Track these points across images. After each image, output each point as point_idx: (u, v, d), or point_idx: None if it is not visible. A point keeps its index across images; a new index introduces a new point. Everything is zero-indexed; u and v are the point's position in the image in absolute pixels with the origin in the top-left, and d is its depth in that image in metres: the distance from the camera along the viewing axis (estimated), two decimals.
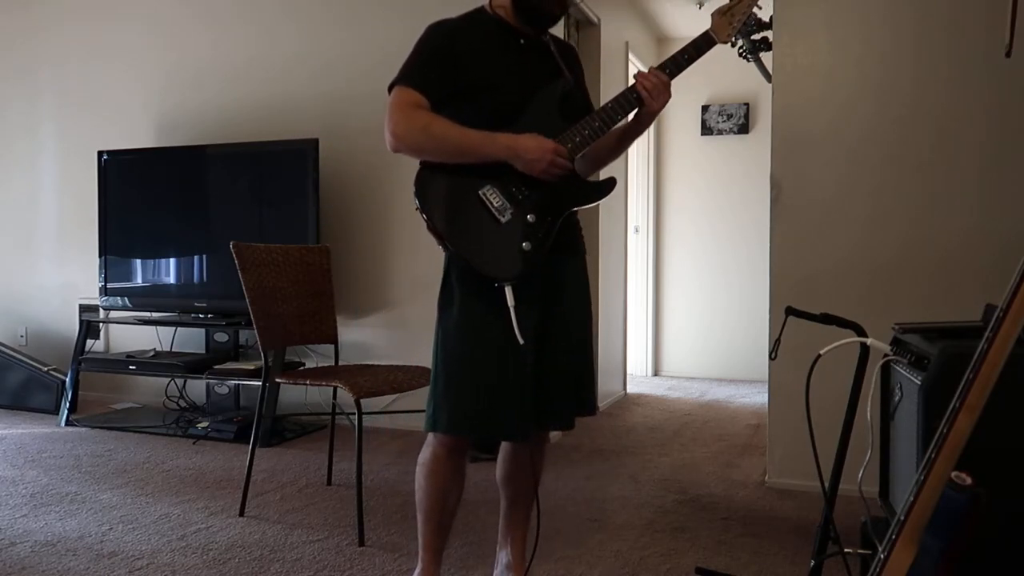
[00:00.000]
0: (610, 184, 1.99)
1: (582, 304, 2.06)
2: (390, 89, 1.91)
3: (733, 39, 2.06)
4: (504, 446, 2.12)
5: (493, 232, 1.86)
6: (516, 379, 1.88)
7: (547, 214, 1.89)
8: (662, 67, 1.96)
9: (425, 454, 2.00)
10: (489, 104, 1.92)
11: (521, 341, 1.83)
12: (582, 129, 1.90)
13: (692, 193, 6.10)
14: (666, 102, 1.95)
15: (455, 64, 1.90)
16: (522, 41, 1.98)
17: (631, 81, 2.02)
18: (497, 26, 1.98)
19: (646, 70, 1.97)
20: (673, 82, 1.96)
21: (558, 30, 3.99)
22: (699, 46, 1.99)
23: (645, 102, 1.92)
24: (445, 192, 1.88)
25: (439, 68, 1.90)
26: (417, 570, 2.06)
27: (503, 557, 2.14)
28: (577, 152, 1.91)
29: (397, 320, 4.19)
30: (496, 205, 1.87)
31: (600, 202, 5.22)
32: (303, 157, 3.99)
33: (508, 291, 1.84)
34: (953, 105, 2.97)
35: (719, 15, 2.01)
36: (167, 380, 4.50)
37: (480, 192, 1.87)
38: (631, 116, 1.99)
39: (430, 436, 1.99)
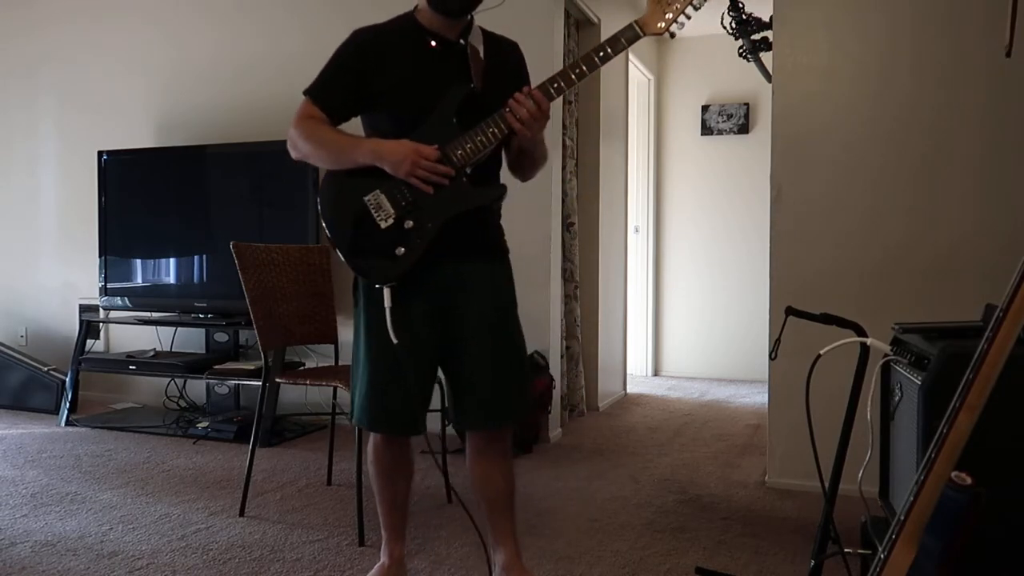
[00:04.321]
0: (497, 190, 2.01)
1: (493, 309, 2.04)
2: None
3: (671, 31, 1.90)
4: (467, 451, 2.16)
5: (373, 236, 1.94)
6: (404, 377, 1.96)
7: (427, 220, 1.93)
8: (551, 81, 1.89)
9: (369, 445, 2.15)
10: (392, 112, 1.99)
11: (395, 340, 1.92)
12: (475, 136, 1.91)
13: (692, 193, 6.09)
14: (541, 129, 1.94)
15: (359, 77, 1.97)
16: (433, 44, 1.98)
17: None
18: (413, 31, 1.99)
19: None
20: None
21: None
22: (615, 43, 1.88)
23: (518, 133, 1.91)
24: (336, 197, 1.99)
25: (341, 82, 1.99)
26: (381, 545, 2.22)
27: (499, 558, 2.15)
28: (469, 159, 1.92)
29: None
30: (378, 211, 1.94)
31: (602, 202, 5.16)
32: None
33: (386, 292, 1.94)
34: (953, 105, 2.97)
35: (655, 2, 1.88)
36: (167, 380, 4.49)
37: (365, 198, 1.94)
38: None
39: None
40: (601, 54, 1.88)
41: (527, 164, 2.08)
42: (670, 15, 1.88)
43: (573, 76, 1.89)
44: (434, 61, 1.98)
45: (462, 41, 1.99)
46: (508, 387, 2.06)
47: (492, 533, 2.14)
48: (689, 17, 1.91)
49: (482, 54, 2.00)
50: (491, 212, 2.08)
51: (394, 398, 1.99)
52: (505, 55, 2.07)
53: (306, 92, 2.02)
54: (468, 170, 1.94)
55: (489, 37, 2.06)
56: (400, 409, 2.00)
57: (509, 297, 2.10)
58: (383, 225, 1.93)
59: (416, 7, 2.01)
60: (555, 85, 1.89)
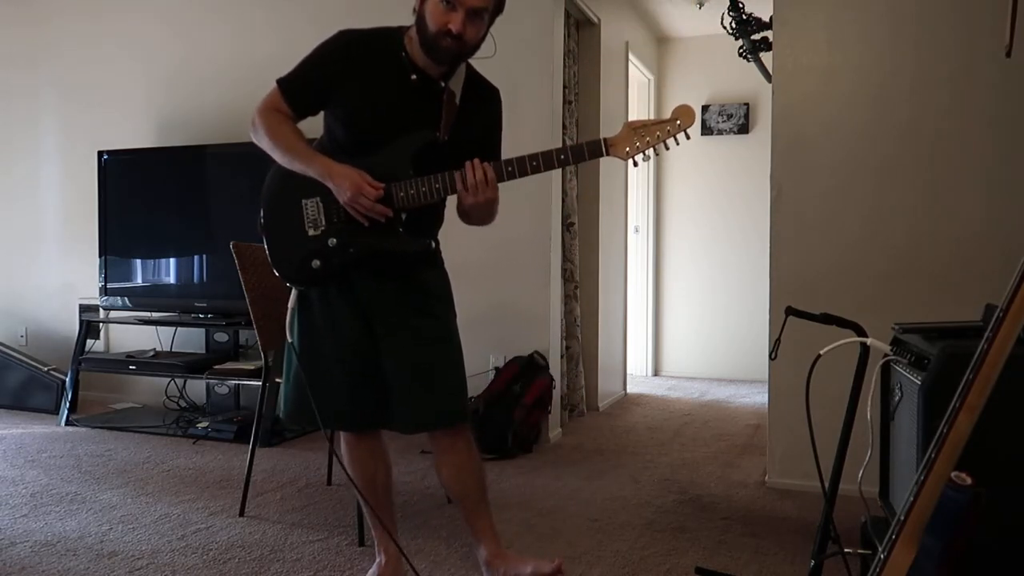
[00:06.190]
0: (423, 243, 2.05)
1: (409, 329, 2.05)
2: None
3: (635, 159, 1.91)
4: (433, 455, 2.19)
5: (297, 239, 2.00)
6: (330, 374, 2.04)
7: (350, 245, 1.98)
8: (507, 163, 1.91)
9: (342, 445, 2.20)
10: (350, 125, 2.01)
11: (290, 340, 2.05)
12: (420, 185, 1.92)
13: (692, 193, 6.09)
14: (486, 200, 1.92)
15: (330, 83, 1.98)
16: (414, 77, 1.97)
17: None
18: (397, 58, 1.98)
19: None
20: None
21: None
22: (578, 153, 1.90)
23: (460, 196, 1.94)
24: (279, 189, 2.05)
25: (312, 85, 2.01)
26: (375, 544, 2.22)
27: (481, 554, 2.16)
28: (406, 204, 1.94)
29: None
30: (311, 217, 1.99)
31: (602, 202, 5.15)
32: None
33: (293, 293, 2.06)
34: (953, 105, 2.97)
35: (630, 128, 1.90)
36: (167, 380, 4.49)
37: (303, 200, 1.99)
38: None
39: None
40: (562, 156, 1.91)
41: (472, 219, 2.08)
42: (639, 145, 1.89)
43: (529, 167, 1.91)
44: (409, 94, 1.98)
45: (442, 83, 1.99)
46: (423, 403, 2.06)
47: (471, 531, 2.18)
48: (658, 153, 1.95)
49: (458, 99, 2.00)
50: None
51: (317, 394, 2.03)
52: (480, 104, 2.06)
53: (279, 82, 2.03)
54: (404, 215, 1.96)
55: (470, 81, 2.04)
56: (323, 407, 2.03)
57: (436, 300, 2.10)
58: (310, 233, 1.99)
59: (408, 34, 1.98)
60: (509, 168, 1.91)
